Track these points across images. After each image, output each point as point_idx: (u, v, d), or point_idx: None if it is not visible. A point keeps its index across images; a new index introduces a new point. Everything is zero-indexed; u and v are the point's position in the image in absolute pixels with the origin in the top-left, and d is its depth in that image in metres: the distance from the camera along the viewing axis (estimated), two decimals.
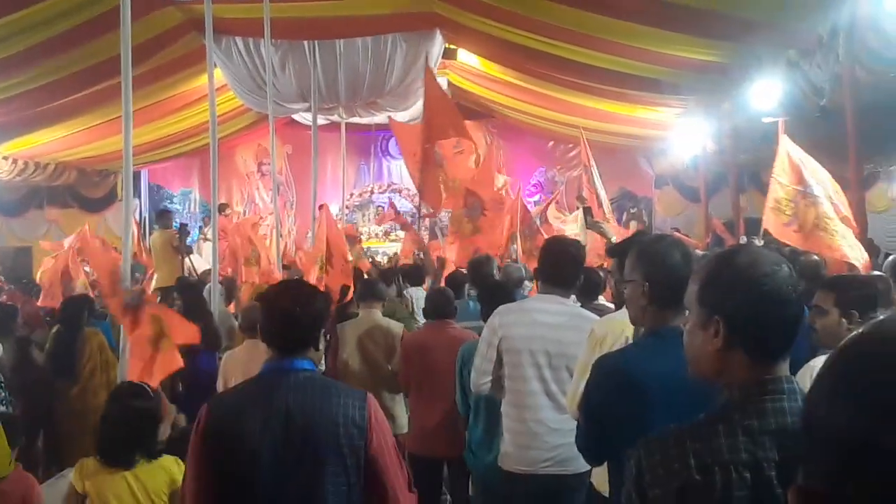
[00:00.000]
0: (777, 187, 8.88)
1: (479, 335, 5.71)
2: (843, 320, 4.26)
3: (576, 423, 4.53)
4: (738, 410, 2.19)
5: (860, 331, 0.92)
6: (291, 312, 3.57)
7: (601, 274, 8.17)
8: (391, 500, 3.49)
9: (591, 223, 8.91)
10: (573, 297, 5.69)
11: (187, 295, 9.77)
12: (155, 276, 14.83)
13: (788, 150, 9.05)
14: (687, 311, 2.47)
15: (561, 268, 5.30)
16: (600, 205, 13.20)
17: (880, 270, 6.80)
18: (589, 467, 4.89)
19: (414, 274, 11.20)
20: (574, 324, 5.16)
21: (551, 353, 5.14)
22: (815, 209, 8.54)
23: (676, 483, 2.12)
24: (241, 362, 6.85)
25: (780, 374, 2.23)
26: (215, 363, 8.63)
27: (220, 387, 7.10)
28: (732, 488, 2.10)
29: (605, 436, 3.42)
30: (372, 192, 24.28)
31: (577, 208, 16.45)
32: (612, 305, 7.22)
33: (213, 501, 3.45)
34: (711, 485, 2.11)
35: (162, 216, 16.33)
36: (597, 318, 5.28)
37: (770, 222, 8.91)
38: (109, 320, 9.41)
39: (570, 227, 14.89)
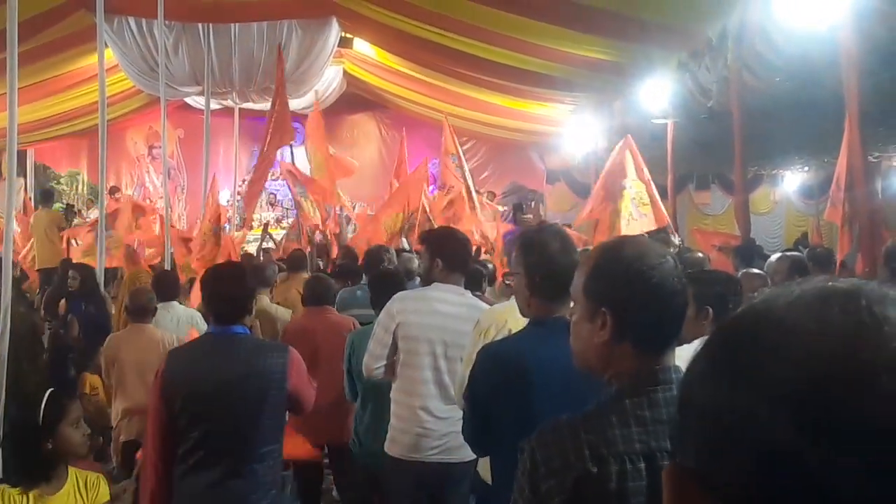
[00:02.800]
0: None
1: (361, 322, 5.71)
2: (699, 316, 4.13)
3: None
4: (629, 400, 2.18)
5: (740, 309, 0.95)
6: (228, 291, 4.49)
7: (487, 266, 8.29)
8: (303, 407, 4.65)
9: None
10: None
11: (86, 274, 9.65)
12: (36, 257, 14.53)
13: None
14: (572, 303, 2.46)
15: (458, 256, 5.33)
16: (469, 194, 13.42)
17: (762, 270, 6.99)
18: (475, 456, 4.98)
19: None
20: (472, 315, 5.09)
21: (448, 342, 5.15)
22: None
23: (572, 475, 2.10)
24: (122, 344, 6.79)
25: (668, 364, 2.23)
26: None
27: (103, 369, 7.00)
28: (627, 479, 2.10)
29: (489, 424, 3.44)
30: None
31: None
32: (492, 299, 7.34)
33: (170, 433, 4.30)
34: (607, 476, 2.10)
35: (46, 196, 16.02)
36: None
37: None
38: None
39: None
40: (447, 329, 5.18)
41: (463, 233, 5.68)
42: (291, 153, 18.46)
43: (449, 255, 5.32)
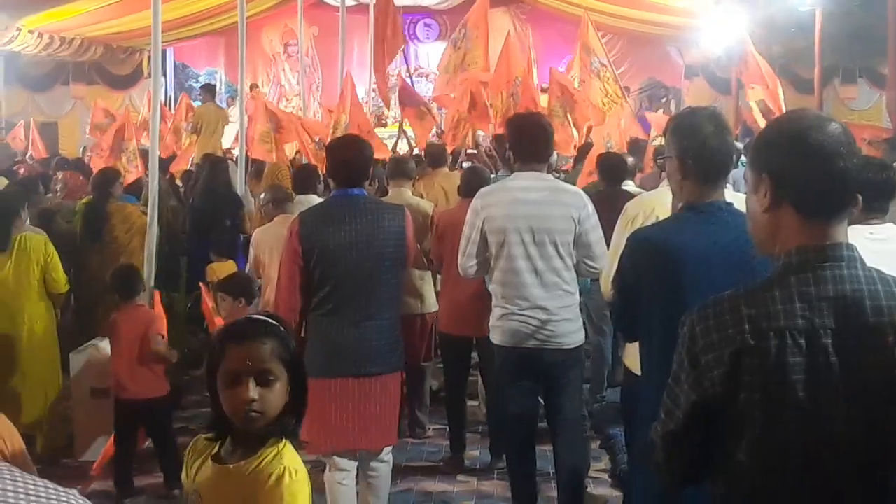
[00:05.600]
0: None
1: None
2: None
3: (566, 299, 5.20)
4: (795, 276, 2.12)
5: None
6: (350, 157, 5.19)
7: (627, 160, 8.16)
8: (410, 256, 5.37)
9: None
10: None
11: (217, 170, 9.91)
12: (196, 150, 14.87)
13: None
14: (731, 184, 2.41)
15: (535, 142, 5.38)
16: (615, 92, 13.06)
17: None
18: (581, 342, 5.36)
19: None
20: (556, 198, 5.26)
21: (535, 229, 5.19)
22: None
23: (730, 348, 2.09)
24: (274, 237, 6.88)
25: (839, 241, 2.15)
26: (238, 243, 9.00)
27: (251, 262, 7.10)
28: (787, 354, 2.06)
29: (638, 309, 3.42)
30: (399, 76, 24.02)
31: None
32: (638, 190, 7.25)
33: (305, 285, 5.00)
34: (766, 350, 2.07)
35: (209, 90, 16.42)
36: (579, 190, 5.60)
37: None
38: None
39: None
40: (531, 216, 5.22)
41: (535, 119, 5.69)
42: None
43: (519, 145, 5.43)
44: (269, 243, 6.81)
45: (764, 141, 2.28)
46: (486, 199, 5.39)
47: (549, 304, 5.18)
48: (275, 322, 2.77)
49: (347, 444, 5.15)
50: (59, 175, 10.05)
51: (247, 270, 7.26)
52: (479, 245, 5.33)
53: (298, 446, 2.85)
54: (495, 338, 5.41)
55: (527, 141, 5.39)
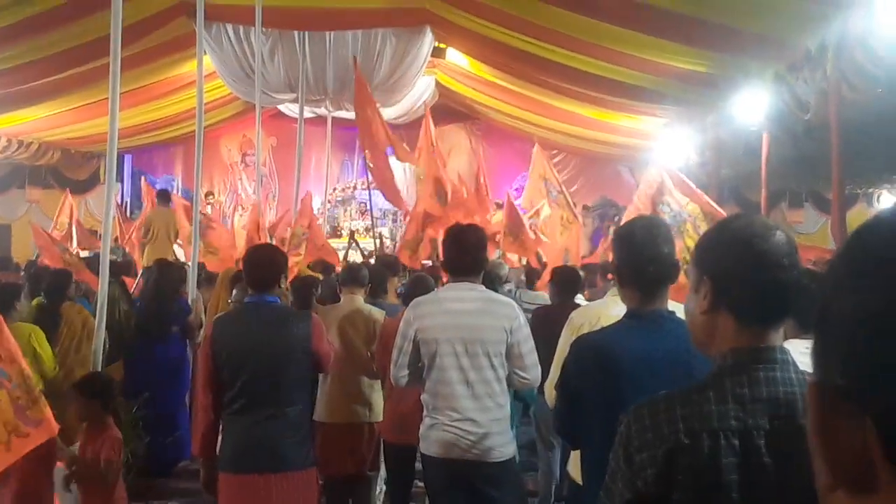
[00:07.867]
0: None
1: None
2: None
3: (496, 412, 5.14)
4: (729, 378, 2.15)
5: (875, 218, 0.90)
6: (263, 264, 5.52)
7: (579, 272, 8.29)
8: (323, 365, 5.70)
9: None
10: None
11: (166, 274, 9.85)
12: (146, 254, 14.89)
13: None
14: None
15: (466, 254, 5.41)
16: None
17: None
18: (511, 455, 5.28)
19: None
20: (488, 308, 5.28)
21: (467, 340, 5.20)
22: None
23: (664, 447, 2.10)
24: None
25: (773, 344, 2.18)
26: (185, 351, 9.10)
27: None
28: (720, 455, 2.08)
29: (579, 415, 3.45)
30: (355, 188, 24.22)
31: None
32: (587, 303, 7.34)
33: (216, 384, 5.31)
34: (699, 450, 2.08)
35: (163, 196, 16.53)
36: (511, 301, 5.54)
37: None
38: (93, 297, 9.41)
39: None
40: (463, 326, 5.23)
41: (467, 232, 5.60)
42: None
43: (452, 256, 5.48)
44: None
45: (708, 243, 2.33)
46: (419, 309, 5.41)
47: (479, 417, 5.17)
48: None
49: None
50: None
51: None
52: (410, 355, 5.33)
53: None
54: (424, 448, 5.39)
55: (457, 253, 5.44)
